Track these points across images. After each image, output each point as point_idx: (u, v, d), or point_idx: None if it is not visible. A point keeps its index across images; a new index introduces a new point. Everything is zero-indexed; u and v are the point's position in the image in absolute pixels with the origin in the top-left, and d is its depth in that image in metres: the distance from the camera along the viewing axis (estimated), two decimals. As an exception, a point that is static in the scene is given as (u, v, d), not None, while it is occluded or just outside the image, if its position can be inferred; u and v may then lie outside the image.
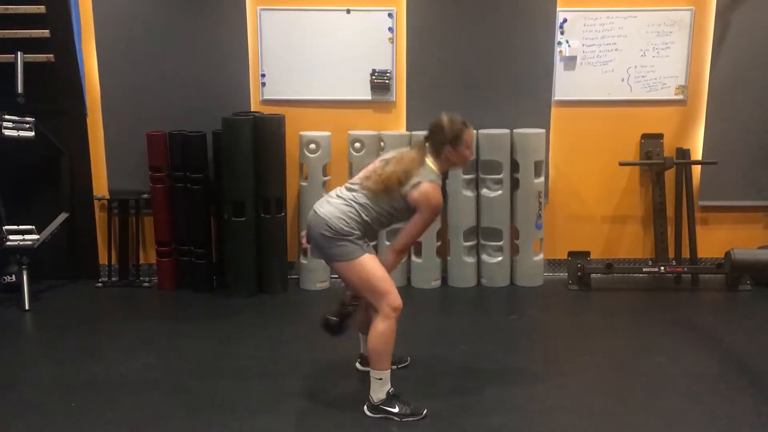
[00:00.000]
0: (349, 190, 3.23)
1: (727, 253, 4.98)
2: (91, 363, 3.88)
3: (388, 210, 3.18)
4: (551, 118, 5.20)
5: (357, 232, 3.13)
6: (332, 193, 3.28)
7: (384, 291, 3.13)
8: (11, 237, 4.81)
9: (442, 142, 3.18)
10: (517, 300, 4.98)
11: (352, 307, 3.37)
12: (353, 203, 3.16)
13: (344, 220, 3.11)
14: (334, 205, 3.17)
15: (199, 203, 5.00)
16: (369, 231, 3.21)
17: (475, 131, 4.93)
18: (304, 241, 3.36)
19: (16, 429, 3.16)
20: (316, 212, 3.18)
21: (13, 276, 4.94)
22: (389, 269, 3.22)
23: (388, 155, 3.31)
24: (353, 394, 3.43)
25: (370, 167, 3.30)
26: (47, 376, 3.72)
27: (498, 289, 5.13)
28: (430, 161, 3.20)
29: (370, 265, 3.13)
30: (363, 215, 3.14)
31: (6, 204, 5.05)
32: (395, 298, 3.15)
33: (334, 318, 3.33)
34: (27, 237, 4.85)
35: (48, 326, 4.51)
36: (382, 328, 3.14)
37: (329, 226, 3.10)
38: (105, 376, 3.69)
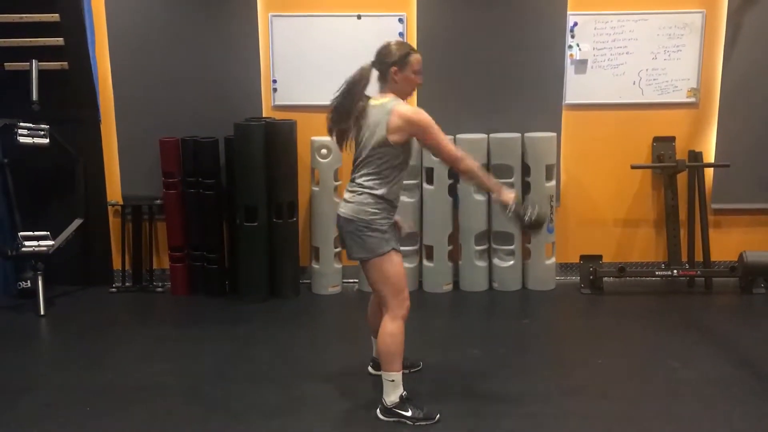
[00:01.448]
0: (351, 180, 3.24)
1: (741, 256, 4.97)
2: (106, 368, 3.90)
3: (387, 166, 3.13)
4: (562, 121, 5.19)
5: (380, 212, 3.13)
6: (345, 195, 3.29)
7: (399, 289, 3.17)
8: (26, 243, 4.85)
9: (388, 63, 3.15)
10: (530, 304, 4.97)
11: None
12: (361, 188, 3.16)
13: (364, 208, 3.12)
14: (350, 200, 3.19)
15: (212, 208, 5.03)
16: (390, 203, 3.18)
17: (486, 135, 5.03)
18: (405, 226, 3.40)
19: (33, 433, 3.19)
20: (339, 215, 3.22)
21: (29, 282, 4.98)
22: (475, 175, 3.13)
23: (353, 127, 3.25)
24: (366, 398, 3.44)
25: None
26: (62, 381, 3.74)
27: (510, 293, 5.12)
28: (378, 99, 3.17)
29: (396, 262, 3.17)
30: (375, 192, 3.13)
31: (21, 210, 5.10)
32: (406, 298, 3.18)
33: (527, 221, 3.14)
34: (42, 243, 4.89)
35: (63, 331, 4.55)
36: (391, 328, 3.15)
37: (354, 221, 3.13)
38: (119, 381, 3.72)
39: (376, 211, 3.13)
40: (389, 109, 3.10)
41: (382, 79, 3.20)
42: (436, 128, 3.10)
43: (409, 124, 3.07)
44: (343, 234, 3.23)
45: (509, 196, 3.18)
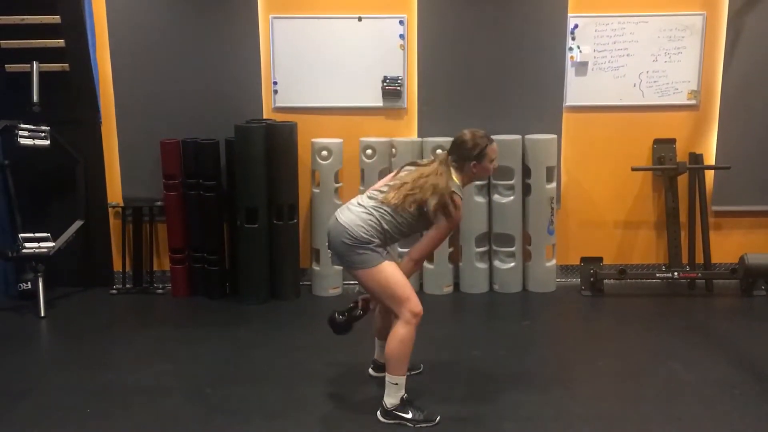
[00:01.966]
0: (371, 198, 3.25)
1: (741, 258, 4.98)
2: (106, 369, 3.90)
3: (409, 220, 3.19)
4: (563, 123, 5.20)
5: (376, 240, 3.14)
6: (353, 201, 3.29)
7: (405, 297, 3.15)
8: (27, 245, 4.85)
9: (467, 157, 3.22)
10: (530, 306, 4.97)
11: (362, 312, 3.38)
12: (374, 212, 3.17)
13: (364, 228, 3.12)
14: (355, 213, 3.18)
15: (212, 210, 5.03)
16: (389, 239, 3.22)
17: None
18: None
19: (33, 435, 3.19)
20: (336, 220, 3.20)
21: (29, 283, 4.98)
22: (407, 276, 3.23)
23: (411, 167, 3.34)
24: (366, 400, 3.44)
25: (392, 176, 3.35)
26: (63, 382, 3.74)
27: (510, 295, 5.12)
28: (453, 175, 3.22)
29: (390, 272, 3.15)
30: (383, 224, 3.16)
31: (22, 212, 5.10)
32: (416, 304, 3.16)
33: (342, 316, 3.34)
34: (42, 245, 4.89)
35: (63, 333, 4.55)
36: (402, 333, 3.15)
37: (349, 234, 3.12)
38: (120, 382, 3.72)
39: (373, 238, 3.14)
40: (445, 185, 3.13)
41: (459, 168, 3.25)
42: (454, 228, 3.25)
43: (440, 208, 3.11)
44: (332, 239, 3.21)
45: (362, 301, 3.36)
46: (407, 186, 3.18)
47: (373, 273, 3.13)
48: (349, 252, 3.13)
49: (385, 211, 3.17)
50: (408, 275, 3.23)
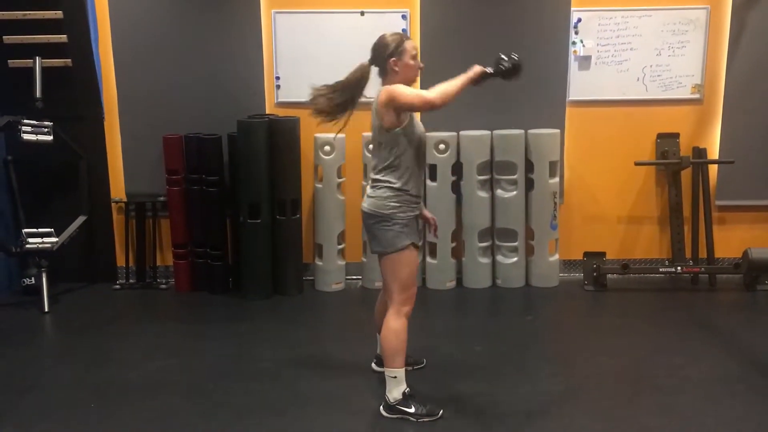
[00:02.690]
0: (371, 177, 3.26)
1: (745, 252, 4.97)
2: (110, 365, 3.92)
3: (395, 154, 3.14)
4: (566, 118, 5.18)
5: (401, 205, 3.13)
6: (367, 190, 3.31)
7: (407, 286, 3.18)
8: (30, 240, 4.87)
9: (385, 56, 3.17)
10: (533, 301, 4.96)
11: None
12: (379, 183, 3.18)
13: (384, 202, 3.14)
14: (370, 194, 3.22)
15: (215, 205, 5.03)
16: (411, 196, 3.18)
17: (489, 132, 5.02)
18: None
19: (36, 430, 3.20)
20: (362, 210, 3.24)
21: (33, 278, 4.99)
22: (448, 91, 3.09)
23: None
24: (369, 394, 3.45)
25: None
26: (66, 377, 3.76)
27: (513, 290, 5.12)
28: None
29: (411, 259, 3.19)
30: (393, 185, 3.15)
31: (25, 207, 5.12)
32: (413, 296, 3.20)
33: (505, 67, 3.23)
34: (46, 240, 4.90)
35: (67, 328, 4.56)
36: (395, 325, 3.17)
37: (374, 215, 3.15)
38: (123, 377, 3.73)
39: (397, 204, 3.14)
40: (376, 95, 3.16)
41: (383, 73, 3.22)
42: (402, 88, 3.10)
43: (385, 96, 3.09)
44: (365, 228, 3.26)
45: (478, 69, 3.23)
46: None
47: (398, 257, 3.15)
48: (378, 231, 3.16)
49: (383, 173, 3.17)
50: (445, 92, 3.08)
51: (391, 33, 3.24)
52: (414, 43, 3.25)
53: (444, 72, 5.06)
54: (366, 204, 3.22)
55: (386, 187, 3.16)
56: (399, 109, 3.10)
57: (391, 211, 3.14)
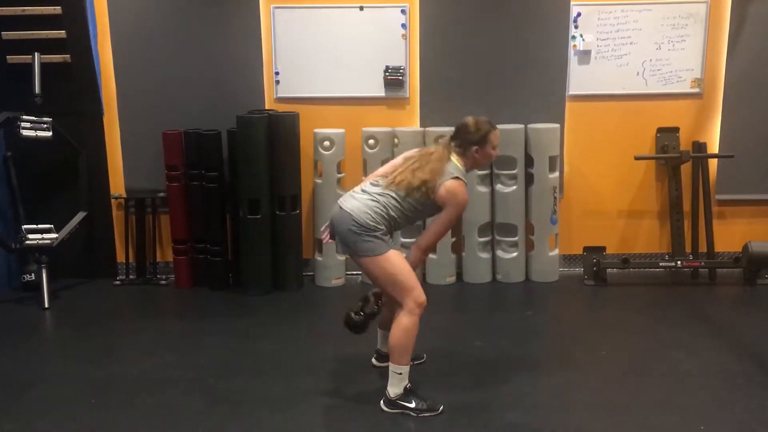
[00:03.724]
0: (374, 185, 3.25)
1: (745, 246, 4.95)
2: (110, 360, 3.92)
3: (414, 206, 3.19)
4: (566, 112, 5.18)
5: (382, 227, 3.14)
6: (357, 188, 3.29)
7: (409, 287, 3.15)
8: (30, 236, 4.87)
9: (470, 141, 3.23)
10: (533, 296, 4.97)
11: (377, 307, 3.38)
12: (380, 198, 3.17)
13: (370, 215, 3.12)
14: (360, 200, 3.18)
15: (215, 201, 5.03)
16: (394, 226, 3.23)
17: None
18: (325, 236, 3.38)
19: (37, 426, 3.20)
20: (341, 207, 3.19)
21: (33, 275, 4.99)
22: (414, 267, 3.23)
23: (412, 152, 3.35)
24: (370, 389, 3.45)
25: (395, 162, 3.35)
26: (67, 373, 3.76)
27: (513, 285, 5.12)
28: (455, 159, 3.24)
29: (395, 260, 3.15)
30: (389, 210, 3.16)
31: (25, 203, 5.11)
32: (420, 294, 3.16)
33: (358, 315, 3.33)
34: (46, 236, 4.90)
35: (67, 324, 4.56)
36: (406, 323, 3.15)
37: (355, 221, 3.11)
38: (124, 373, 3.73)
39: (379, 226, 3.14)
40: (455, 176, 3.16)
41: (462, 153, 3.26)
42: (460, 213, 3.22)
43: (452, 199, 3.14)
44: (337, 227, 3.21)
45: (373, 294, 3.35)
46: (409, 170, 3.19)
47: (378, 261, 3.13)
48: (356, 239, 3.13)
49: (390, 197, 3.18)
50: (415, 265, 3.24)
51: (477, 120, 3.28)
52: (498, 133, 3.33)
53: (444, 68, 5.10)
54: (350, 205, 3.17)
55: (383, 207, 3.16)
56: (441, 212, 3.18)
57: (373, 225, 3.13)
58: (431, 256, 5.11)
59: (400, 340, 3.16)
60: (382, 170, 3.41)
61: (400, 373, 3.21)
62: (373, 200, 3.17)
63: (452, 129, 4.87)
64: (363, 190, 3.24)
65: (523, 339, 4.12)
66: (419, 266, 3.33)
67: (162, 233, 5.34)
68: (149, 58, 5.06)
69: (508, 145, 4.98)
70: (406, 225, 3.34)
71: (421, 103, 5.14)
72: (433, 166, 3.18)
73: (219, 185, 5.00)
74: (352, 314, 3.34)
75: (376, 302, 3.38)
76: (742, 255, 4.99)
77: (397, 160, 3.38)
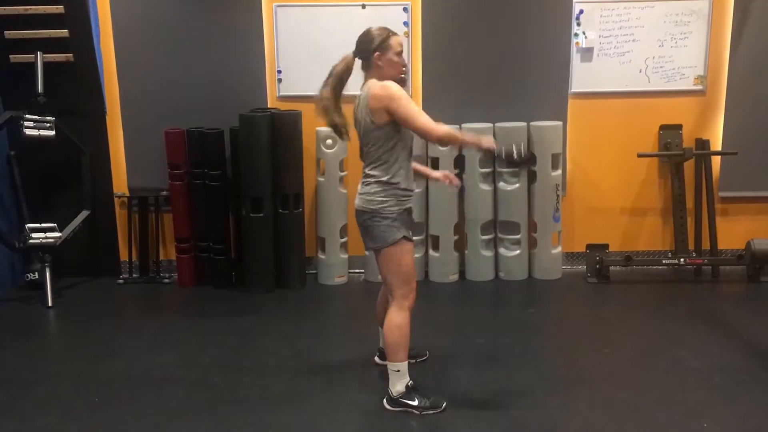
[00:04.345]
0: (362, 174, 3.25)
1: (748, 244, 4.97)
2: (114, 359, 3.93)
3: (384, 149, 3.13)
4: (568, 110, 5.17)
5: (389, 199, 3.13)
6: (358, 188, 3.30)
7: (407, 280, 3.18)
8: (34, 235, 4.87)
9: (369, 50, 3.16)
10: (536, 293, 4.97)
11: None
12: (368, 178, 3.18)
13: (373, 198, 3.14)
14: (360, 191, 3.22)
15: (218, 200, 5.04)
16: (399, 189, 3.16)
17: (491, 124, 5.01)
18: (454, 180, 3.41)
19: (41, 424, 3.21)
20: (356, 209, 3.24)
21: (36, 273, 5.00)
22: (453, 137, 3.08)
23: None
24: (373, 388, 3.45)
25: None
26: (70, 371, 3.77)
27: (516, 283, 5.12)
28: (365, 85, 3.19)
29: (405, 251, 3.17)
30: (381, 179, 3.14)
31: (28, 202, 5.12)
32: (412, 290, 3.20)
33: (516, 158, 3.16)
34: (49, 235, 4.91)
35: (71, 322, 4.57)
36: (397, 319, 3.17)
37: (365, 211, 3.16)
38: (127, 371, 3.74)
39: (385, 198, 3.14)
40: (366, 90, 3.13)
41: (366, 66, 3.20)
42: (405, 99, 3.05)
43: (379, 99, 3.06)
44: (359, 225, 3.26)
45: (491, 141, 3.13)
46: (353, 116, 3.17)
47: (391, 250, 3.14)
48: (370, 227, 3.16)
49: (372, 168, 3.16)
50: (450, 135, 3.06)
51: (377, 27, 3.22)
52: (400, 40, 3.22)
53: (446, 66, 5.10)
54: (358, 201, 3.22)
55: (375, 182, 3.15)
56: (395, 116, 3.06)
57: (380, 206, 3.13)
58: (434, 254, 5.11)
59: (393, 336, 3.18)
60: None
61: (398, 370, 3.21)
62: (366, 183, 3.19)
63: (455, 127, 4.94)
64: (360, 184, 3.26)
65: (526, 336, 4.12)
66: (453, 134, 3.07)
67: (165, 232, 5.34)
68: (152, 57, 5.07)
69: (511, 143, 4.96)
70: (405, 174, 3.19)
71: (423, 100, 5.13)
72: (360, 106, 3.14)
73: (222, 184, 5.00)
74: (515, 160, 3.15)
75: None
76: (745, 252, 5.00)
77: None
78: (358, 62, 3.24)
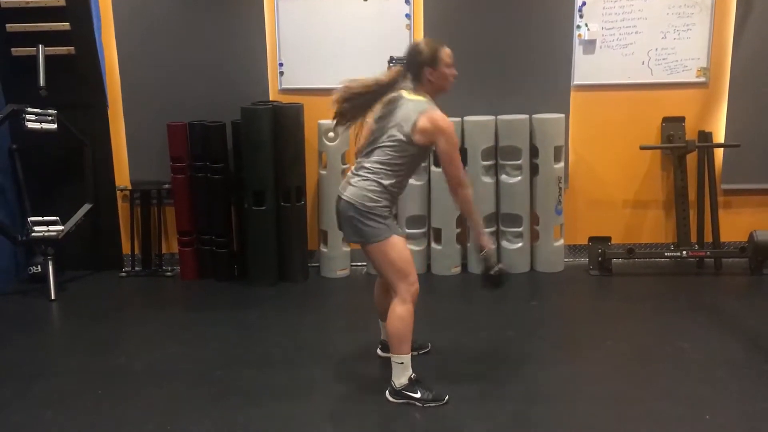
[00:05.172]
0: (362, 165, 3.23)
1: (751, 235, 4.96)
2: (116, 352, 3.94)
3: (401, 160, 3.15)
4: (571, 102, 5.16)
5: (383, 201, 3.13)
6: (349, 174, 3.29)
7: (405, 274, 3.16)
8: (36, 228, 4.88)
9: (420, 63, 3.15)
10: (538, 286, 4.97)
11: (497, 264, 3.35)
12: (369, 175, 3.16)
13: (367, 195, 3.12)
14: (354, 183, 3.18)
15: (220, 193, 5.04)
16: (394, 192, 3.19)
17: (494, 117, 5.00)
18: None
19: (44, 417, 3.22)
20: (340, 197, 3.21)
21: (39, 267, 5.01)
22: (469, 206, 3.19)
23: (377, 108, 3.25)
24: (375, 380, 3.46)
25: (366, 129, 3.31)
26: (74, 365, 3.78)
27: (518, 275, 5.11)
28: (414, 96, 3.18)
29: (398, 246, 3.16)
30: (382, 181, 3.14)
31: (30, 196, 5.13)
32: (414, 282, 3.18)
33: (494, 271, 3.30)
34: (52, 228, 4.91)
35: (73, 316, 4.58)
36: (400, 311, 3.16)
37: (356, 207, 3.13)
38: (130, 365, 3.75)
39: (379, 199, 3.14)
40: (423, 110, 3.10)
41: (416, 79, 3.19)
42: (455, 140, 3.13)
43: (436, 130, 3.08)
44: (342, 217, 3.22)
45: (489, 243, 3.31)
46: (382, 128, 3.15)
47: (381, 246, 3.14)
48: (359, 224, 3.14)
49: (378, 168, 3.15)
50: (468, 202, 3.17)
51: (426, 40, 3.22)
52: (450, 51, 3.22)
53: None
54: (348, 192, 3.18)
55: (374, 180, 3.14)
56: (438, 149, 3.10)
57: (373, 204, 3.12)
58: (436, 246, 5.11)
59: (396, 329, 3.17)
60: (360, 144, 3.36)
61: (402, 363, 3.22)
62: (365, 179, 3.16)
63: (457, 119, 4.95)
64: (354, 173, 3.23)
65: (528, 329, 4.12)
66: (471, 203, 3.20)
67: (167, 225, 5.35)
68: (153, 50, 5.06)
69: (513, 136, 4.98)
70: (404, 183, 3.26)
71: (425, 93, 5.12)
72: (405, 111, 3.11)
73: (224, 177, 5.00)
74: (490, 273, 3.31)
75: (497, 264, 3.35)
76: (747, 244, 5.00)
77: (371, 123, 3.31)
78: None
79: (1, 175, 5.07)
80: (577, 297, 4.78)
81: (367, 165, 3.19)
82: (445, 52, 3.19)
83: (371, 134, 3.26)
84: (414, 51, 3.19)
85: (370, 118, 3.29)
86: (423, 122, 3.08)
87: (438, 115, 3.11)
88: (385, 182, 3.15)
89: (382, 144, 3.16)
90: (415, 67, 3.17)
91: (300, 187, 5.01)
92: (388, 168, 3.15)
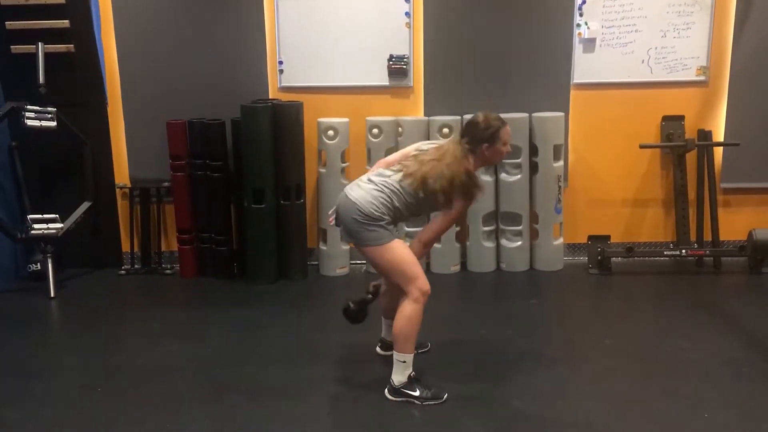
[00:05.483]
0: (381, 175, 3.23)
1: (750, 234, 4.96)
2: (116, 350, 3.94)
3: (420, 201, 3.19)
4: (570, 101, 5.16)
5: (387, 218, 3.14)
6: (363, 177, 3.28)
7: (413, 275, 3.15)
8: (36, 226, 4.88)
9: (480, 139, 3.19)
10: (537, 284, 4.97)
11: (371, 294, 3.41)
12: (385, 189, 3.16)
13: (375, 205, 3.12)
14: (366, 189, 3.17)
15: (219, 191, 5.04)
16: (399, 217, 3.22)
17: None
18: (331, 219, 3.36)
19: (43, 415, 3.22)
20: (347, 196, 3.19)
21: (38, 264, 5.01)
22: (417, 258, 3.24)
23: (426, 145, 3.32)
24: (374, 378, 3.46)
25: (406, 152, 3.34)
26: (73, 363, 3.78)
27: (517, 274, 5.12)
28: (460, 156, 3.20)
29: (399, 249, 3.16)
30: (394, 201, 3.15)
31: (30, 193, 5.13)
32: (424, 283, 3.17)
33: (354, 305, 3.37)
34: (51, 226, 4.91)
35: (73, 314, 4.58)
36: (409, 311, 3.16)
37: (360, 211, 3.11)
38: (130, 362, 3.75)
39: (384, 214, 3.14)
40: (459, 164, 3.15)
41: (472, 150, 3.21)
42: (465, 211, 3.28)
43: (458, 188, 3.12)
44: (342, 216, 3.21)
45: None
46: (424, 170, 3.15)
47: (382, 250, 3.14)
48: (360, 229, 3.13)
49: (397, 188, 3.17)
50: (417, 258, 3.24)
51: (487, 116, 3.23)
52: (509, 129, 3.27)
53: (448, 57, 5.08)
54: (355, 194, 3.17)
55: (388, 198, 3.15)
56: (450, 201, 3.16)
57: (379, 214, 3.12)
58: (436, 245, 5.11)
59: (403, 328, 3.17)
60: (390, 158, 3.41)
61: (404, 361, 3.22)
62: (378, 190, 3.16)
63: (457, 118, 4.95)
64: (369, 180, 3.23)
65: (527, 328, 4.13)
66: (422, 258, 3.32)
67: (167, 223, 5.35)
68: (153, 48, 5.06)
69: (513, 134, 4.91)
70: (411, 217, 3.34)
71: (425, 92, 5.13)
72: (451, 170, 3.13)
73: (223, 175, 5.00)
74: (350, 304, 3.40)
75: (373, 291, 3.43)
76: (747, 243, 5.00)
77: (409, 149, 3.36)
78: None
79: (0, 173, 5.07)
80: (577, 296, 4.79)
81: (389, 182, 3.19)
82: (506, 131, 3.24)
83: (407, 159, 3.27)
84: (475, 125, 3.22)
85: (417, 144, 3.38)
86: (457, 179, 3.11)
87: (474, 175, 3.18)
88: (397, 205, 3.17)
89: (412, 180, 3.19)
90: (474, 140, 3.20)
91: (299, 185, 5.01)
92: (408, 198, 3.17)
